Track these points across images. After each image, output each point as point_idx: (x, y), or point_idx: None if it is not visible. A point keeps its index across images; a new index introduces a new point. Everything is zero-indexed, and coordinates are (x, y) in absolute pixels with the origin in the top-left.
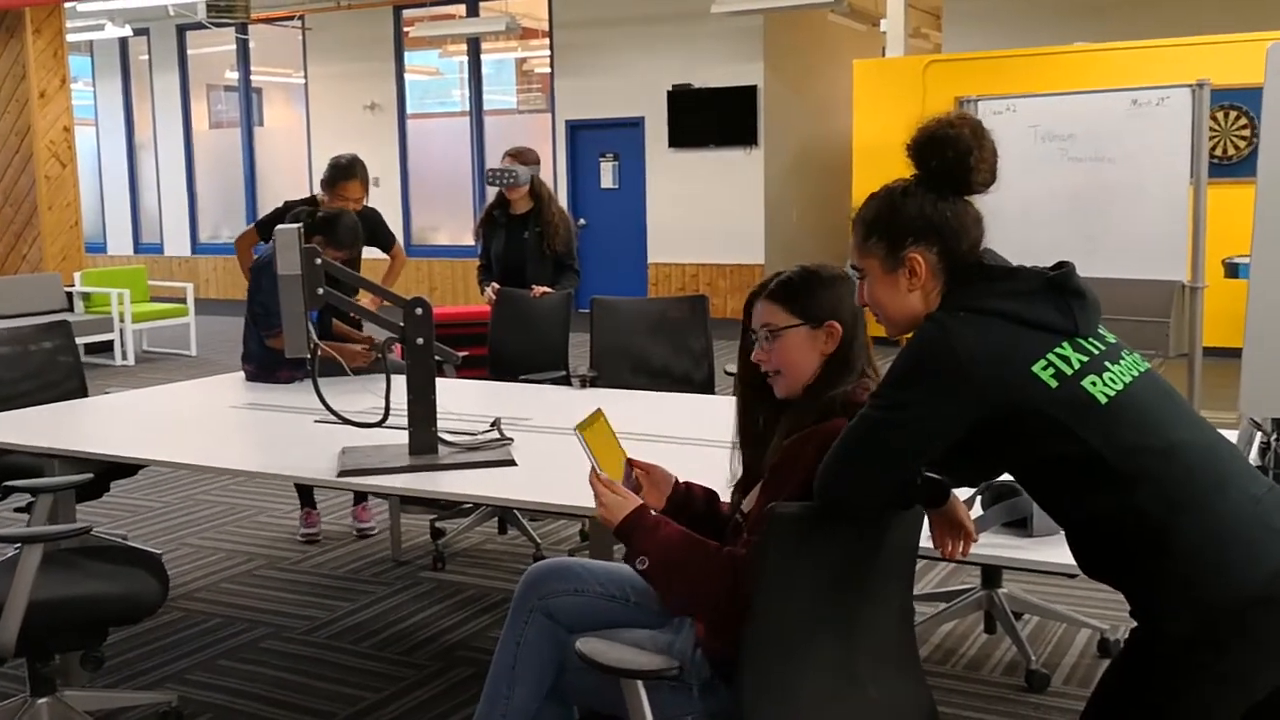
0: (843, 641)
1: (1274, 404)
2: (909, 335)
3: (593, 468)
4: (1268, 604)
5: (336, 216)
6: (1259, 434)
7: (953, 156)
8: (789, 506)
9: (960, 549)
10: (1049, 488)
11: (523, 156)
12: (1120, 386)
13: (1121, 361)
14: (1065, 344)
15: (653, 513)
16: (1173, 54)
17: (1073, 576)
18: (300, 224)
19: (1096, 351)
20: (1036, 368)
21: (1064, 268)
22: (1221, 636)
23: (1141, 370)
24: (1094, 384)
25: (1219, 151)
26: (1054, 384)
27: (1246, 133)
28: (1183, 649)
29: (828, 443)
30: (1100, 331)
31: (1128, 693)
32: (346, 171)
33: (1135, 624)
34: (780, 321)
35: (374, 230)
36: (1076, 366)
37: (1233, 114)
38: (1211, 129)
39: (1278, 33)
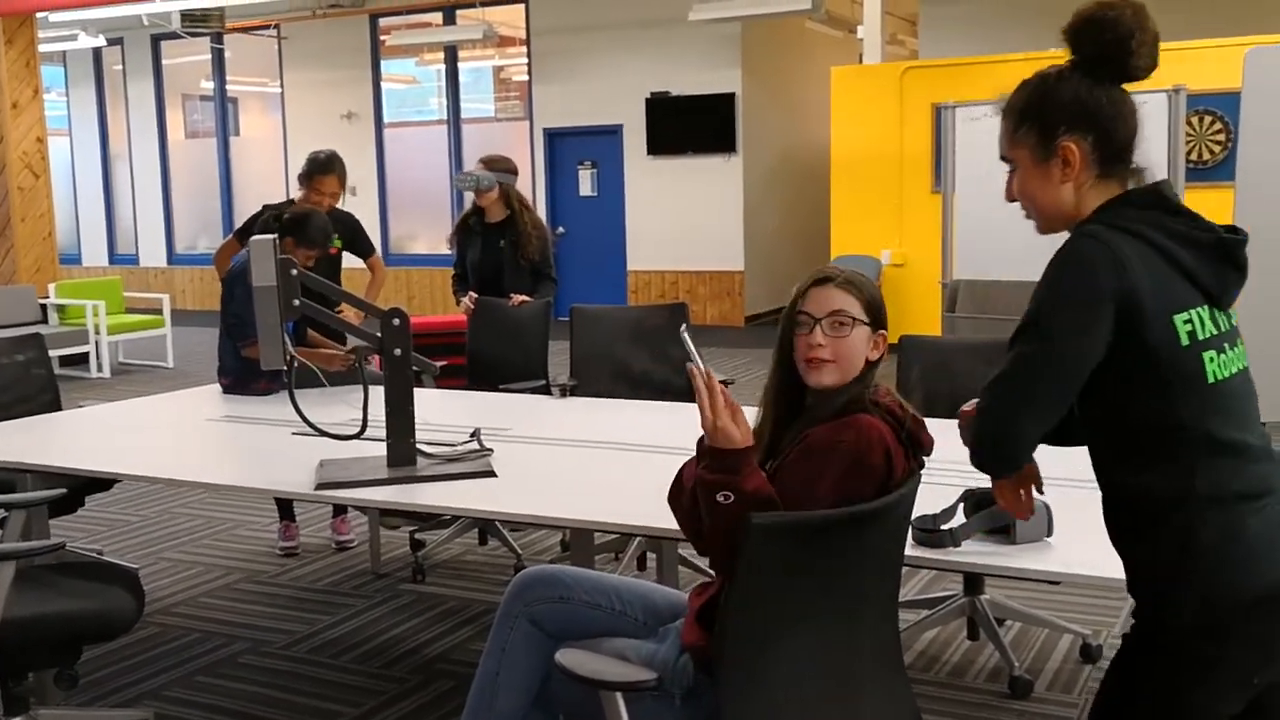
0: (825, 650)
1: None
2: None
3: (708, 371)
4: (1273, 603)
5: (305, 216)
6: None
7: (1111, 39)
8: (765, 517)
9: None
10: (1114, 446)
11: (492, 163)
12: (1227, 374)
13: (1236, 348)
14: (1206, 307)
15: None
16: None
17: (1054, 583)
18: (273, 234)
19: (1224, 329)
20: (1179, 318)
21: (1238, 234)
22: (1223, 630)
23: (1244, 365)
24: (1211, 359)
25: (1194, 156)
26: (1185, 341)
27: (1221, 137)
28: (1185, 639)
29: (865, 440)
30: (1230, 311)
31: (1132, 684)
32: (325, 166)
33: (1135, 618)
34: (854, 313)
35: (353, 237)
36: (1207, 335)
37: (1208, 119)
38: (1187, 134)
39: (1252, 38)
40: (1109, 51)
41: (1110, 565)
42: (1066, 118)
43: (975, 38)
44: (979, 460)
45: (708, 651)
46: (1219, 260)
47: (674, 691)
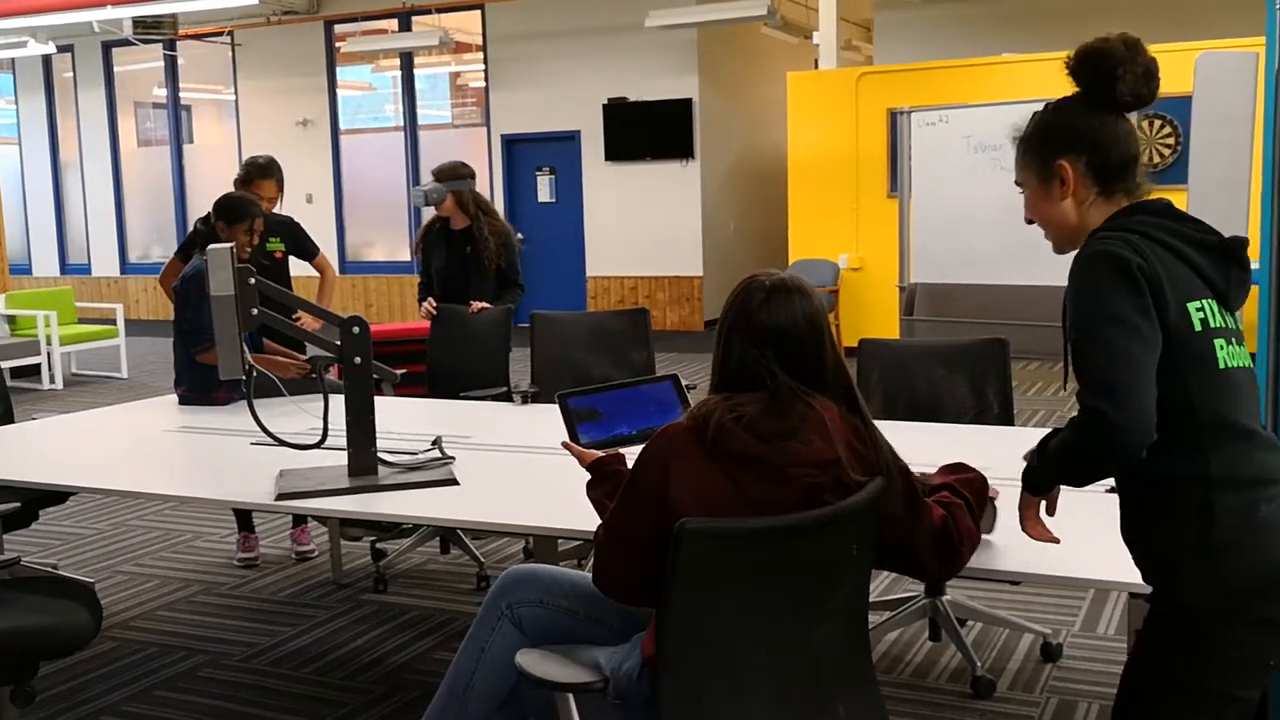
0: (772, 661)
1: None
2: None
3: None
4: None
5: (223, 197)
6: None
7: (1101, 69)
8: (697, 522)
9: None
10: None
11: (441, 174)
12: (1236, 364)
13: (1242, 346)
14: (1214, 301)
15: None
16: None
17: (1015, 583)
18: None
19: (1232, 326)
20: (1191, 305)
21: (1239, 239)
22: (1236, 612)
23: (1249, 364)
24: (1221, 346)
25: (1145, 159)
26: (1198, 327)
27: (1171, 140)
28: (1199, 621)
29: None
30: (1237, 315)
31: (1151, 669)
32: (264, 170)
33: (1151, 604)
34: None
35: (294, 239)
36: (1217, 325)
37: (1158, 123)
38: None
39: (1201, 44)
40: (1099, 80)
41: (1070, 564)
42: (1062, 141)
43: (929, 44)
44: (1115, 452)
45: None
46: (1224, 260)
47: (636, 699)
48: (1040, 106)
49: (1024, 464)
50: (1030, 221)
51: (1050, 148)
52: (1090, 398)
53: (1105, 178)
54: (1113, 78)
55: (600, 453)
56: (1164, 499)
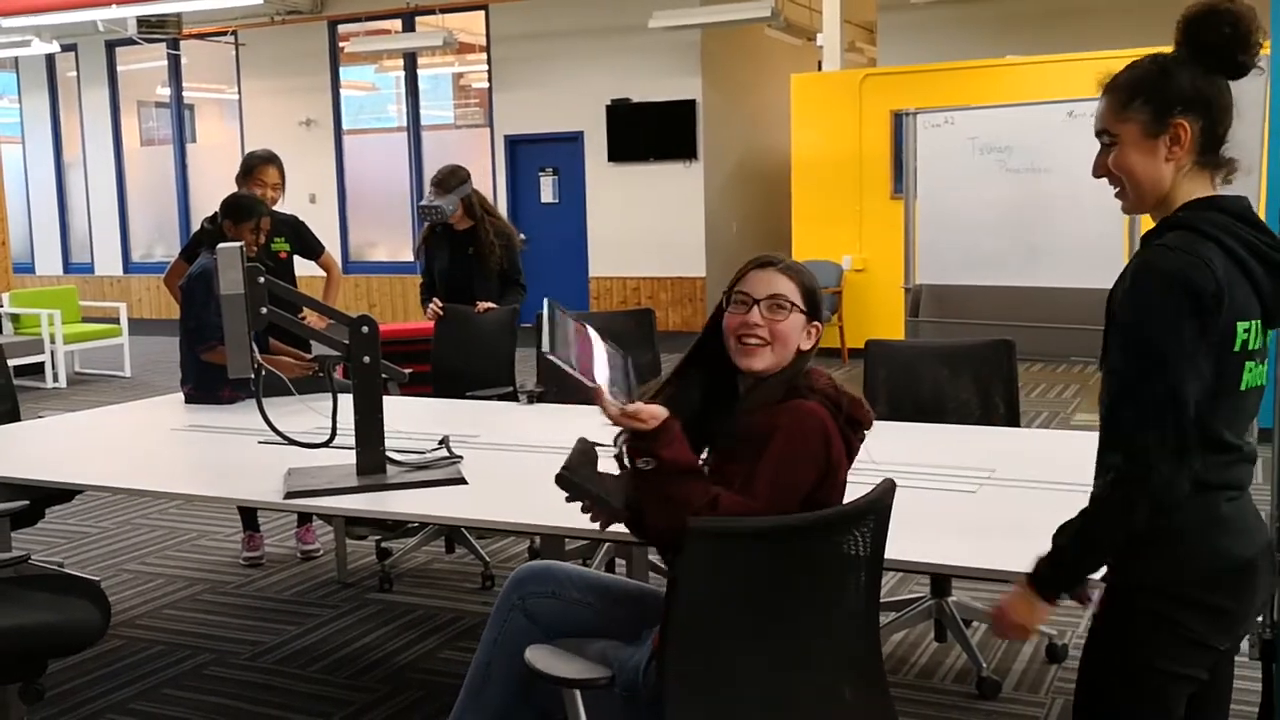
0: (786, 655)
1: None
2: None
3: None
4: (1236, 576)
5: (230, 196)
6: None
7: (1231, 33)
8: (704, 522)
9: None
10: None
11: (445, 183)
12: (1254, 384)
13: (1264, 365)
14: (1260, 321)
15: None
16: (1106, 66)
17: None
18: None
19: (1263, 346)
20: (1240, 324)
21: None
22: (1185, 598)
23: (1264, 383)
24: (1249, 369)
25: None
26: (1237, 348)
27: None
28: (1150, 604)
29: (803, 423)
30: (1271, 331)
31: (1103, 650)
32: (264, 158)
33: (1107, 586)
34: (793, 298)
35: (299, 237)
36: (1254, 346)
37: None
38: None
39: None
40: (1227, 44)
41: None
42: (1184, 99)
43: (932, 45)
44: (1156, 510)
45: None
46: (1278, 279)
47: (643, 695)
48: (1134, 61)
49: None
50: (1099, 175)
51: (1170, 102)
52: (1127, 460)
53: (1208, 148)
54: (1245, 45)
55: (661, 411)
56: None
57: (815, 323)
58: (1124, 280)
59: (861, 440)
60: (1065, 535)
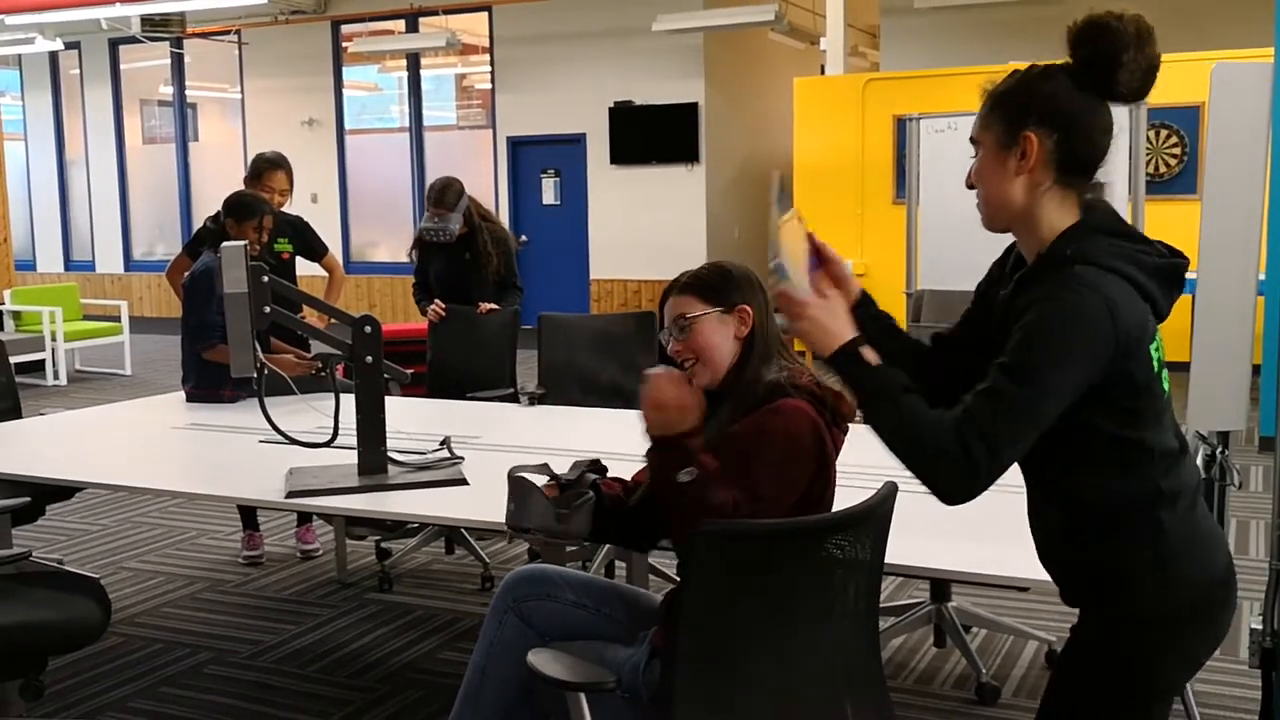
0: (789, 658)
1: (1219, 418)
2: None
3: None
4: (1224, 587)
5: (234, 195)
6: (1203, 446)
7: (1104, 49)
8: (715, 524)
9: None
10: (1073, 458)
11: (443, 199)
12: (1168, 386)
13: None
14: (1157, 330)
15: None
16: None
17: (1024, 590)
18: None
19: (1161, 346)
20: (1152, 347)
21: (1181, 256)
22: (1179, 617)
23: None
24: (1165, 378)
25: (1151, 169)
26: (1156, 367)
27: (1178, 151)
28: (1144, 629)
29: (793, 422)
30: None
31: (1086, 678)
32: (272, 162)
33: (1083, 616)
34: (693, 310)
35: (303, 239)
36: (1161, 355)
37: (1164, 132)
38: (1145, 147)
39: (1208, 53)
40: (1099, 60)
41: None
42: (1037, 111)
43: (935, 50)
44: (954, 496)
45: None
46: (1172, 284)
47: (643, 695)
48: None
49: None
50: (971, 187)
51: (1023, 114)
52: (980, 439)
53: (1069, 168)
54: (1115, 63)
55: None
56: (1117, 521)
57: (738, 307)
58: (1035, 301)
59: (845, 433)
60: (902, 394)
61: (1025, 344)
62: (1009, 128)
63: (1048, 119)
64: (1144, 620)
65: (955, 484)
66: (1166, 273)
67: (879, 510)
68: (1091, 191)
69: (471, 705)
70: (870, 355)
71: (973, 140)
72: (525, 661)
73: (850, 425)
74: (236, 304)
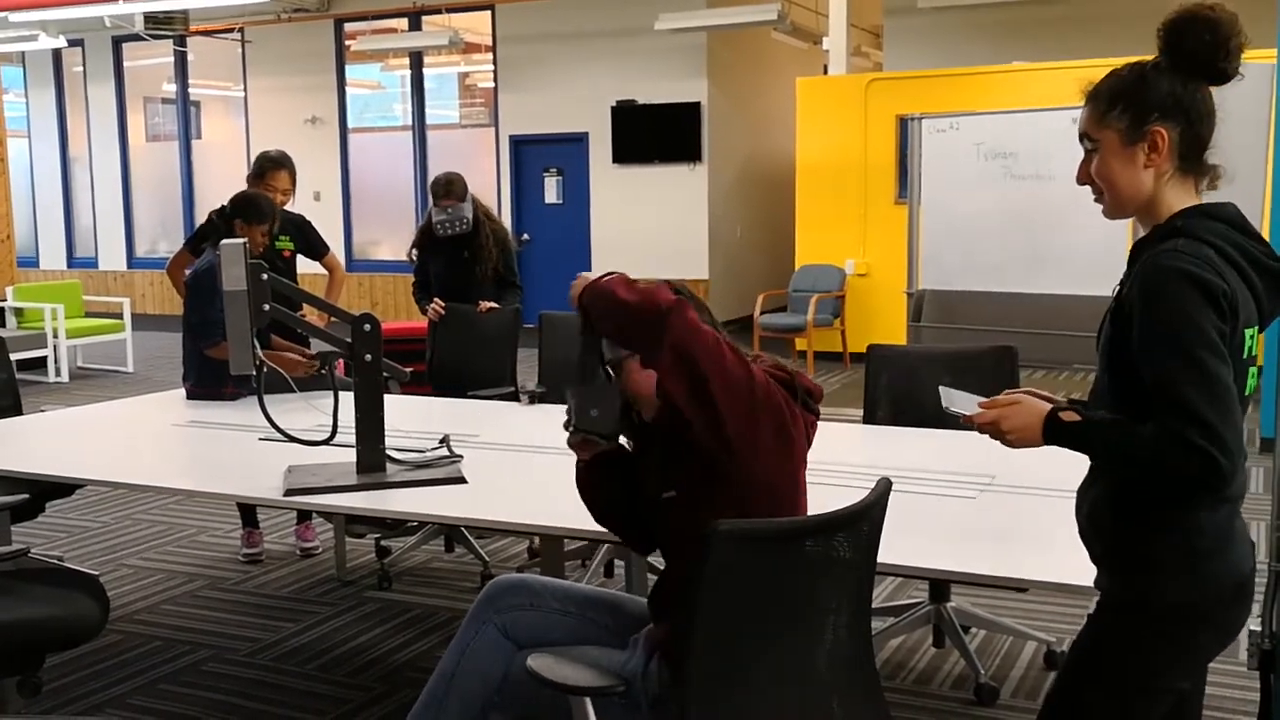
0: (791, 657)
1: None
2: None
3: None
4: (1242, 593)
5: (244, 194)
6: None
7: (1210, 40)
8: (727, 523)
9: None
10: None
11: (452, 190)
12: (1250, 391)
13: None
14: (1257, 329)
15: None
16: None
17: (1023, 590)
18: (223, 222)
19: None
20: (1248, 331)
21: None
22: (1203, 616)
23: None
24: (1252, 375)
25: None
26: (1245, 355)
27: None
28: (1166, 622)
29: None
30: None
31: (1101, 661)
32: (276, 162)
33: (1108, 598)
34: (611, 352)
35: (304, 237)
36: (1253, 352)
37: None
38: None
39: None
40: (1206, 51)
41: (1075, 572)
42: (1161, 107)
43: (938, 50)
44: (1213, 486)
45: (670, 646)
46: (1273, 287)
47: (641, 699)
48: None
49: (1057, 415)
50: (1083, 182)
51: (1149, 110)
52: (1186, 428)
53: (1190, 155)
54: (1224, 52)
55: None
56: (1163, 509)
57: (640, 353)
58: (1133, 287)
59: (817, 418)
60: (1110, 428)
61: (1144, 324)
62: (1134, 124)
63: (1172, 113)
64: (1162, 611)
65: (1199, 477)
66: (1273, 275)
67: (875, 506)
68: (1209, 172)
69: (432, 713)
70: (1070, 416)
71: (1086, 138)
72: (495, 674)
73: (843, 425)
74: (236, 301)
